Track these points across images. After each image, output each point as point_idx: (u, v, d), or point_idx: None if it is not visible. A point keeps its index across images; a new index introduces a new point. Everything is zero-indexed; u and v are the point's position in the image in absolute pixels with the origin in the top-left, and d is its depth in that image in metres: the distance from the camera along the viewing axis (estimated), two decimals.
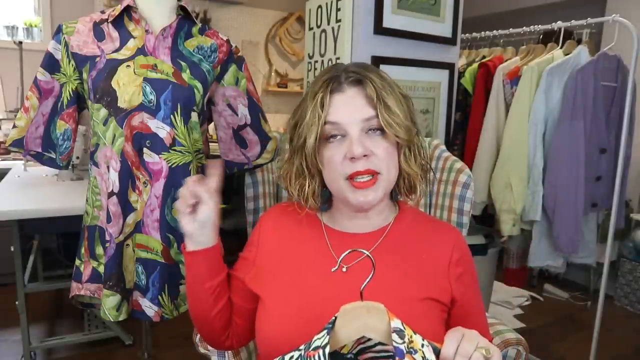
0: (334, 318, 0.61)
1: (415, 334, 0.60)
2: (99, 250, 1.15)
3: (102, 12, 1.16)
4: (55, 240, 2.74)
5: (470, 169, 1.30)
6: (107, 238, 1.12)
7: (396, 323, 0.59)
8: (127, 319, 1.17)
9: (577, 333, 2.55)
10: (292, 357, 0.61)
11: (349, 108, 0.76)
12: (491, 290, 2.41)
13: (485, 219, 2.23)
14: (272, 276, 0.83)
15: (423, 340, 0.60)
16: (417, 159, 0.82)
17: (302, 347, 0.61)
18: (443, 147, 1.25)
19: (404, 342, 0.58)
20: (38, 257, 2.50)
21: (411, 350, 0.57)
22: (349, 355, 0.67)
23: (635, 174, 2.90)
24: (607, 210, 2.14)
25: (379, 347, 0.66)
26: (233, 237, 0.93)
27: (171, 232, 1.14)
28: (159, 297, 1.15)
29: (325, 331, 0.60)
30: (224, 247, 1.35)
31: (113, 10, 1.13)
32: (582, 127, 1.87)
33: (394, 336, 0.58)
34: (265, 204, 1.21)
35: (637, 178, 2.92)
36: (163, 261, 1.14)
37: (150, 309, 1.16)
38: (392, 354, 0.64)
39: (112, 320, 1.13)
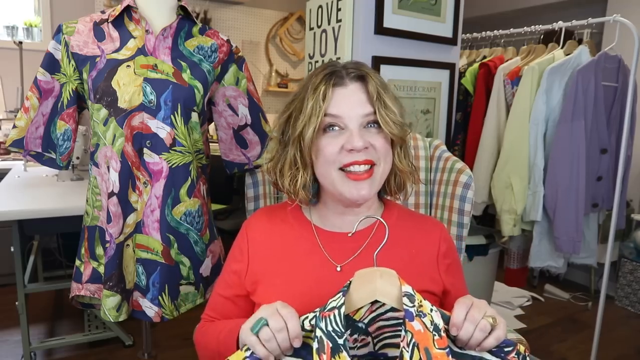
0: (349, 282, 0.64)
1: (424, 299, 0.62)
2: (99, 250, 1.15)
3: (102, 12, 1.16)
4: (55, 240, 2.74)
5: (471, 169, 1.30)
6: (107, 238, 1.12)
7: (407, 288, 0.62)
8: (127, 319, 1.16)
9: (578, 333, 2.55)
10: (306, 317, 0.64)
11: (350, 102, 0.77)
12: (492, 291, 2.41)
13: (486, 219, 2.23)
14: (265, 282, 0.81)
15: (432, 305, 0.62)
16: (407, 157, 0.85)
17: (317, 310, 0.63)
18: (444, 147, 1.25)
19: (414, 306, 0.60)
20: (38, 257, 2.50)
21: (420, 313, 0.60)
22: (359, 324, 0.68)
23: (636, 174, 2.90)
24: (608, 210, 2.13)
25: (389, 314, 0.68)
26: (233, 237, 0.92)
27: (171, 232, 1.14)
28: (159, 297, 1.15)
29: (340, 293, 0.62)
30: (224, 246, 1.35)
31: (113, 10, 1.13)
32: (582, 127, 1.86)
33: (405, 299, 0.60)
34: (266, 204, 1.20)
35: (637, 178, 2.92)
36: (163, 261, 1.14)
37: (150, 309, 1.15)
38: (400, 321, 0.67)
39: (112, 320, 1.13)
